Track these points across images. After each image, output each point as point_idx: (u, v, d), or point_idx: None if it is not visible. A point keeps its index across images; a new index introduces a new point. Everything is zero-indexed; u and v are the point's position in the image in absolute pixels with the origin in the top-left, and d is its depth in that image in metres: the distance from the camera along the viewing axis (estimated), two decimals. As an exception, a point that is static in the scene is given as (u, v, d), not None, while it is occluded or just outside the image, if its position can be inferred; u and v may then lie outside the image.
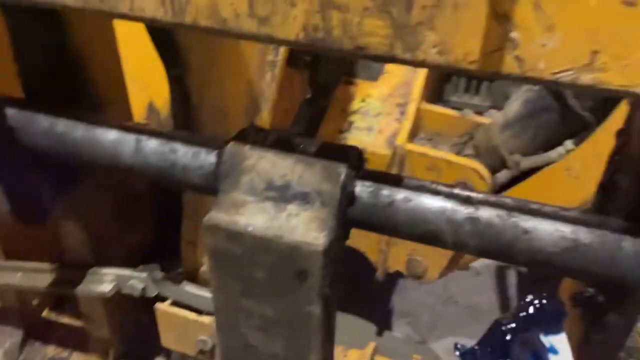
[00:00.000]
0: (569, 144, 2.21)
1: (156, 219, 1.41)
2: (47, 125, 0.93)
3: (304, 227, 0.78)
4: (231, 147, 0.83)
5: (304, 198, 0.79)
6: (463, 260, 2.65)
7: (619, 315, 0.74)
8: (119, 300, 1.36)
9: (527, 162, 2.20)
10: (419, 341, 3.31)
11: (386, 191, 0.80)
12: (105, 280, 1.19)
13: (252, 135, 0.85)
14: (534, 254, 0.73)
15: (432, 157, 2.11)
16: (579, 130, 2.17)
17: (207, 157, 0.87)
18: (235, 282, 0.84)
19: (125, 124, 0.93)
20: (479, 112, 2.82)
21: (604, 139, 2.05)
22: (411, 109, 2.30)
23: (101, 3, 0.66)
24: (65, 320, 1.47)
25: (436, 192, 0.78)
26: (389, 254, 2.37)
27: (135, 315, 1.42)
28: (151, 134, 0.90)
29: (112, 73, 1.14)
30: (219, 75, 1.11)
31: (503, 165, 2.21)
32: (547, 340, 0.86)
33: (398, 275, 2.48)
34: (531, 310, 0.94)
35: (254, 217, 0.80)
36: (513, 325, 0.94)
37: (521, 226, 0.74)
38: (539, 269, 0.81)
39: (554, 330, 0.87)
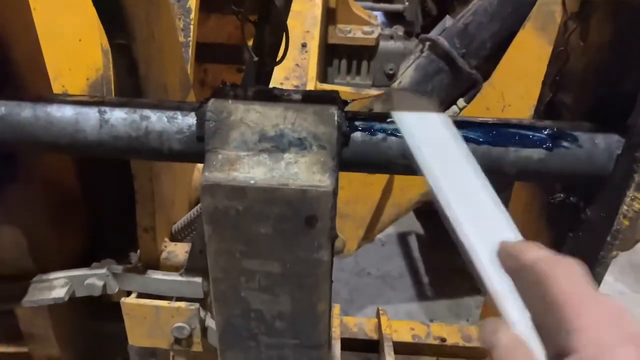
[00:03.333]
0: (461, 102, 2.38)
1: (92, 221, 1.29)
2: (-16, 110, 0.82)
3: (306, 172, 0.77)
4: (213, 103, 0.80)
5: (300, 144, 0.79)
6: (379, 227, 2.76)
7: (596, 209, 0.83)
8: (66, 311, 1.24)
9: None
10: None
11: (378, 127, 0.81)
12: (57, 286, 1.07)
13: (230, 92, 0.82)
14: (524, 164, 0.80)
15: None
16: (469, 88, 2.35)
17: (185, 120, 0.82)
18: (236, 243, 0.81)
19: (79, 97, 0.85)
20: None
21: (490, 93, 2.25)
22: (309, 89, 2.35)
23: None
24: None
25: (425, 121, 0.82)
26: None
27: (84, 327, 1.30)
28: (113, 104, 0.83)
29: (32, 53, 1.03)
30: (159, 48, 1.05)
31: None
32: None
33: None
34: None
35: (253, 171, 0.77)
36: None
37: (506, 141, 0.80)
38: (526, 178, 0.87)
39: None
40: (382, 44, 3.76)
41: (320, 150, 0.78)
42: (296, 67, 2.63)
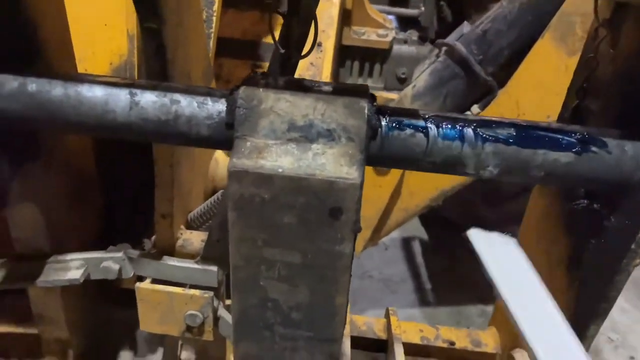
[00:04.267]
0: (475, 108, 2.38)
1: (109, 204, 1.30)
2: (16, 86, 0.82)
3: (334, 164, 0.77)
4: (244, 91, 0.80)
5: (328, 135, 0.79)
6: (384, 230, 2.75)
7: (621, 216, 0.83)
8: (77, 295, 1.24)
9: (440, 129, 2.34)
10: (343, 318, 3.38)
11: (407, 122, 0.81)
12: (72, 267, 1.07)
13: (262, 80, 0.82)
14: (551, 167, 0.79)
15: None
16: (483, 95, 2.35)
17: (215, 106, 0.82)
18: (259, 231, 0.81)
19: (110, 77, 0.85)
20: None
21: (505, 101, 2.25)
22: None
23: None
24: (8, 329, 1.30)
25: (455, 120, 0.82)
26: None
27: (94, 311, 1.30)
28: (144, 86, 0.83)
29: (61, 34, 1.03)
30: (186, 35, 1.05)
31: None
32: None
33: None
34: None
35: (280, 159, 0.77)
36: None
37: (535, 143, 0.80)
38: (553, 182, 0.87)
39: None
40: (396, 47, 3.76)
41: (349, 143, 0.78)
42: (310, 66, 2.63)
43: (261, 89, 0.80)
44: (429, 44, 3.54)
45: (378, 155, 0.83)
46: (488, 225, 3.03)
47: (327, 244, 0.81)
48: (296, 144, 0.79)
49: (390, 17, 4.31)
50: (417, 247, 4.02)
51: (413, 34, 3.88)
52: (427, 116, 0.82)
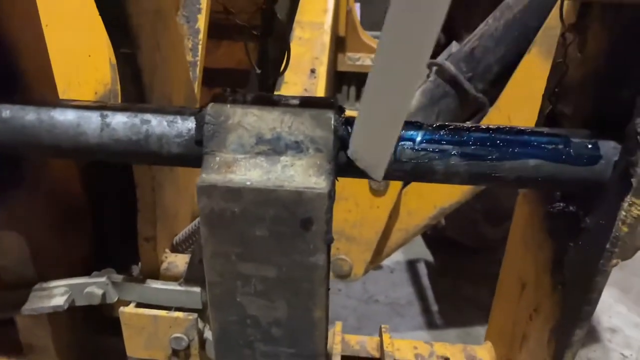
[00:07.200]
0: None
1: (94, 231, 1.30)
2: (-11, 114, 0.84)
3: (302, 175, 0.78)
4: (212, 107, 0.81)
5: (296, 147, 0.79)
6: (385, 252, 2.73)
7: (595, 217, 0.82)
8: (66, 322, 1.23)
9: (434, 147, 2.35)
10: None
11: (374, 132, 0.82)
12: (56, 294, 1.07)
13: (229, 97, 0.84)
14: (521, 170, 0.79)
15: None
16: (476, 112, 2.36)
17: (185, 124, 0.83)
18: (232, 246, 0.81)
19: (82, 101, 0.87)
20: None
21: (497, 116, 2.26)
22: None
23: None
24: (-2, 359, 1.30)
25: (422, 128, 0.82)
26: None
27: (83, 339, 1.29)
28: (115, 108, 0.85)
29: (41, 63, 1.06)
30: (164, 59, 1.07)
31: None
32: None
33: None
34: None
35: (249, 173, 0.78)
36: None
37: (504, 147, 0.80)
38: (524, 185, 0.87)
39: None
40: (391, 71, 3.79)
41: (317, 154, 0.79)
42: (304, 92, 2.67)
43: (229, 105, 0.81)
44: (424, 66, 3.57)
45: (348, 165, 0.83)
46: (491, 243, 3.01)
47: (300, 255, 0.80)
48: (265, 157, 0.79)
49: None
50: (422, 269, 3.99)
51: (407, 57, 3.93)
52: (395, 125, 0.83)
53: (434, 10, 0.59)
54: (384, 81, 0.67)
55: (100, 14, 0.90)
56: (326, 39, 2.69)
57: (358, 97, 3.98)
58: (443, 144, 0.80)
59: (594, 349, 3.23)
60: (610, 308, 3.46)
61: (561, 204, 0.90)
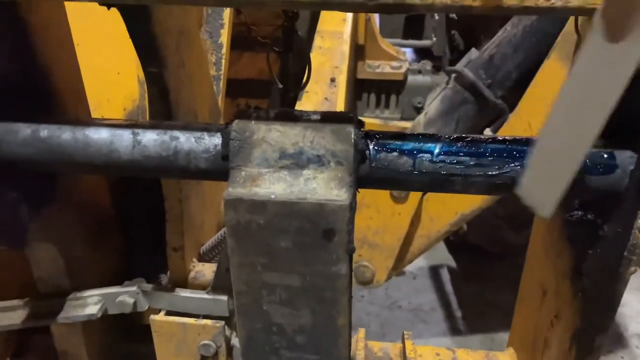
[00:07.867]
0: (487, 132, 2.39)
1: (126, 242, 1.35)
2: (29, 133, 0.89)
3: (324, 187, 0.81)
4: (237, 124, 0.85)
5: (318, 161, 0.82)
6: (408, 258, 2.75)
7: (613, 225, 0.84)
8: (98, 330, 1.28)
9: (454, 154, 2.36)
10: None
11: (393, 145, 0.84)
12: (90, 303, 1.12)
13: (254, 113, 0.87)
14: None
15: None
16: (495, 118, 2.37)
17: (211, 140, 0.87)
18: (258, 256, 0.84)
19: (115, 120, 0.92)
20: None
21: (517, 123, 2.26)
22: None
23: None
24: (33, 365, 1.35)
25: (440, 140, 0.85)
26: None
27: (115, 347, 1.34)
28: (145, 126, 0.89)
29: (74, 83, 1.11)
30: (189, 76, 1.11)
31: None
32: None
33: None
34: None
35: (273, 186, 0.81)
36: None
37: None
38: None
39: None
40: (411, 78, 3.83)
41: (338, 167, 0.82)
42: (325, 101, 2.70)
43: (253, 121, 0.85)
44: (444, 73, 3.59)
45: (368, 177, 0.86)
46: (514, 248, 3.00)
47: (323, 265, 0.83)
48: (288, 171, 0.83)
49: (406, 49, 4.40)
50: (445, 275, 3.98)
51: (427, 64, 3.95)
52: (414, 138, 0.85)
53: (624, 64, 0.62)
54: (564, 125, 0.71)
55: (130, 35, 0.94)
56: (346, 48, 2.73)
57: (378, 104, 4.01)
58: (460, 155, 0.83)
59: (622, 354, 3.19)
60: (639, 314, 3.41)
61: (579, 212, 0.91)
